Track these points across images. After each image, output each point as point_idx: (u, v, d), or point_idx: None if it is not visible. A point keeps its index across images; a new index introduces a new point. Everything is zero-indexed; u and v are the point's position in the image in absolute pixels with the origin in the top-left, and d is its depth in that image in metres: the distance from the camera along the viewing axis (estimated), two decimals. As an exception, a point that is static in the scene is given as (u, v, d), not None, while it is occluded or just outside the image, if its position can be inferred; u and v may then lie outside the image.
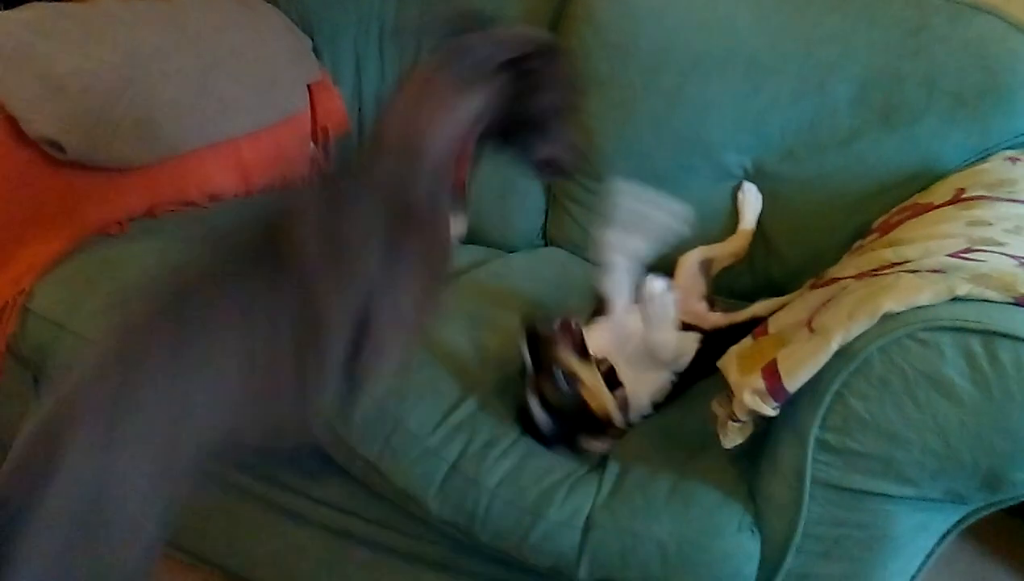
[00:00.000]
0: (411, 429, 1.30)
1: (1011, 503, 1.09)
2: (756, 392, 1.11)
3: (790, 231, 1.72)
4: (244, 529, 1.58)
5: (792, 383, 1.08)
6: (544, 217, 1.96)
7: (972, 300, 1.03)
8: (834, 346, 1.06)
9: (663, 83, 1.76)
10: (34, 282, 1.52)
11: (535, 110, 1.21)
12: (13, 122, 1.49)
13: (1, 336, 1.51)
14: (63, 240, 1.57)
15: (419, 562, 1.42)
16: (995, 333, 0.98)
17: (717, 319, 1.52)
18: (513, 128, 1.22)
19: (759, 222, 1.76)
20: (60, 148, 1.51)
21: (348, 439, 1.32)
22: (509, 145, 1.26)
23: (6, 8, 1.74)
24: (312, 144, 2.08)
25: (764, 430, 1.18)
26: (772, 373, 1.11)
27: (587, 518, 1.20)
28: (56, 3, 1.69)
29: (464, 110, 1.15)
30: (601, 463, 1.28)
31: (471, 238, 1.91)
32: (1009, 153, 1.54)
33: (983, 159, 1.57)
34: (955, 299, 1.03)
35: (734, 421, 1.16)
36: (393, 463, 1.30)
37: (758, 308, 1.48)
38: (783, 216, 1.73)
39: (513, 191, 1.94)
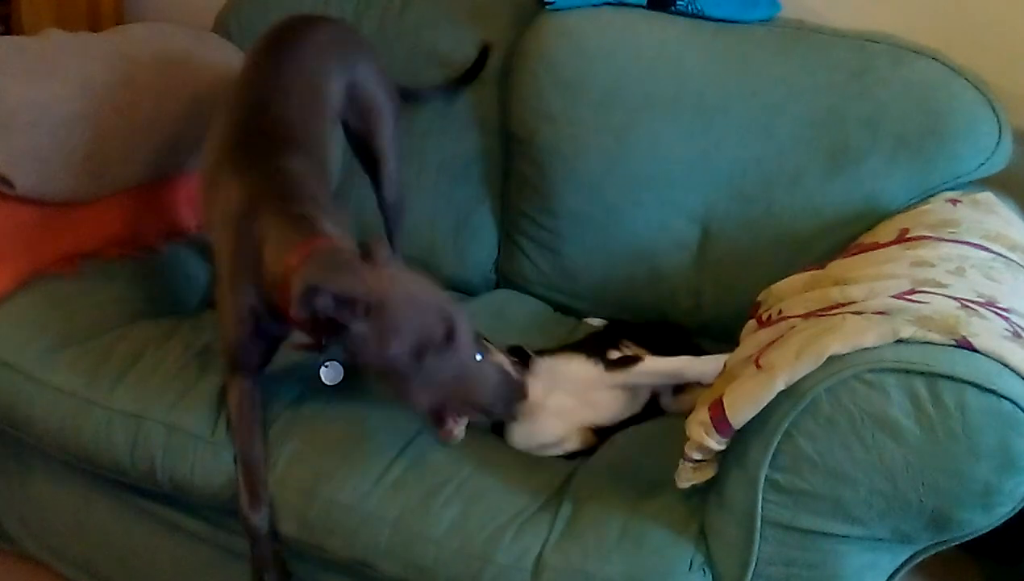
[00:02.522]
0: (344, 502, 1.30)
1: (958, 541, 1.11)
2: (701, 424, 1.14)
3: (738, 269, 1.74)
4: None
5: (736, 417, 1.10)
6: (497, 252, 1.97)
7: (916, 342, 1.06)
8: (779, 384, 1.08)
9: (613, 120, 1.78)
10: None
11: None
12: (-39, 157, 1.47)
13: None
14: (11, 276, 1.55)
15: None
16: (938, 375, 1.01)
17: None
18: None
19: (707, 259, 1.78)
20: (9, 183, 1.50)
21: (286, 532, 1.34)
22: None
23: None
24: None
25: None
26: (717, 406, 1.13)
27: (537, 559, 1.21)
28: (6, 36, 1.67)
29: None
30: (556, 499, 1.29)
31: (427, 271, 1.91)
32: (950, 195, 1.58)
33: (925, 200, 1.60)
34: (899, 341, 1.06)
35: (687, 460, 1.17)
36: (336, 540, 1.31)
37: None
38: (731, 254, 1.75)
39: (466, 226, 1.95)
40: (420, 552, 1.25)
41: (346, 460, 1.34)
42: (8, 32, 2.38)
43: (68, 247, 1.64)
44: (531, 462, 1.36)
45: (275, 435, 1.39)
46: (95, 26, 2.39)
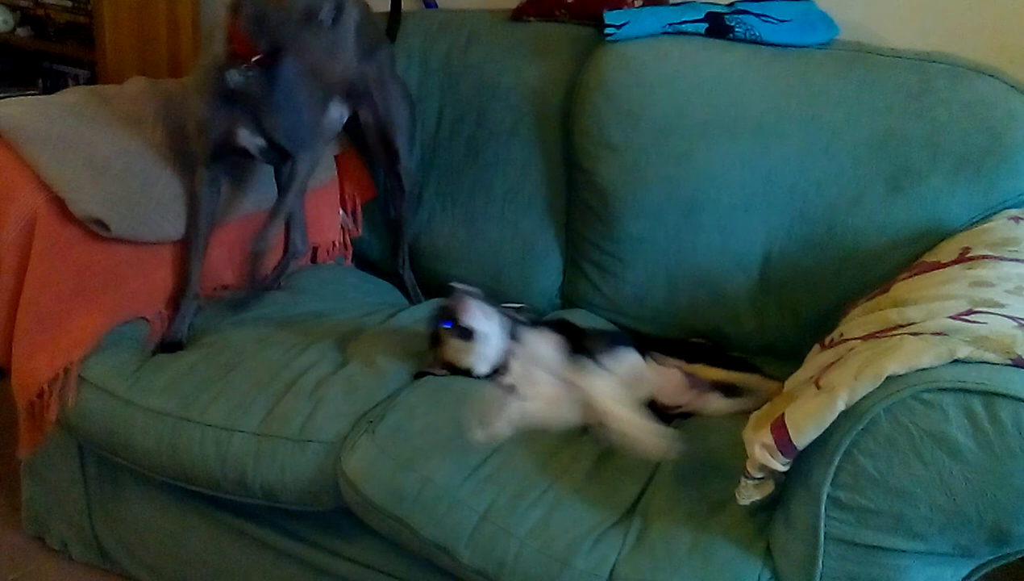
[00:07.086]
0: (439, 483, 1.35)
1: (1019, 556, 1.13)
2: (765, 447, 1.16)
3: (802, 289, 1.76)
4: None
5: (799, 438, 1.13)
6: (562, 278, 2.02)
7: (972, 362, 1.08)
8: (840, 404, 1.11)
9: (674, 147, 1.82)
10: (84, 354, 1.59)
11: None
12: (60, 202, 1.57)
13: (54, 406, 1.58)
14: (108, 312, 1.64)
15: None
16: (994, 394, 1.03)
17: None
18: None
19: (770, 281, 1.80)
20: (105, 226, 1.59)
21: (376, 499, 1.37)
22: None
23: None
24: (341, 211, 2.16)
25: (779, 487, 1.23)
26: (780, 427, 1.15)
27: (612, 569, 1.24)
28: (94, 87, 1.78)
29: None
30: (628, 516, 1.33)
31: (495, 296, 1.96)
32: (1013, 212, 1.59)
33: (988, 218, 1.61)
34: (956, 361, 1.08)
35: (748, 478, 1.20)
36: (423, 517, 1.34)
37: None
38: (794, 275, 1.77)
39: (532, 254, 2.01)
40: (503, 546, 1.29)
41: (445, 445, 1.40)
42: (94, 77, 2.53)
43: (159, 283, 1.73)
44: (608, 477, 1.39)
45: (379, 408, 1.50)
46: (175, 67, 2.54)
